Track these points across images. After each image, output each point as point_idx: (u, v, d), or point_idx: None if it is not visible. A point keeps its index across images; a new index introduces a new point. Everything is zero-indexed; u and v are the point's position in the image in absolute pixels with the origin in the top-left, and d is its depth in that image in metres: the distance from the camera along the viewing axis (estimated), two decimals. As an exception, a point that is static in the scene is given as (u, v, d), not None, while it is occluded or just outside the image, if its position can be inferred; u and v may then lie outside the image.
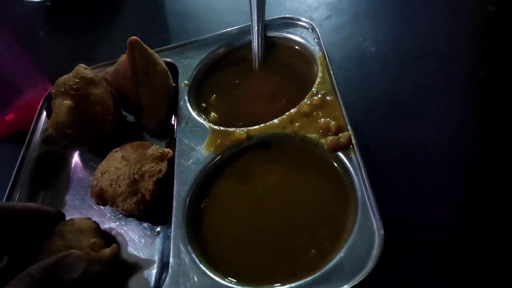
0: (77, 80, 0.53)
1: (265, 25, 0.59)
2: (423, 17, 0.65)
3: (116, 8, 0.94)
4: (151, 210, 0.49)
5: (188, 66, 0.61)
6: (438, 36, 0.61)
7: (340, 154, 0.44)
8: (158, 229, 0.49)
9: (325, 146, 0.45)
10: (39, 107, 0.66)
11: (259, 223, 0.43)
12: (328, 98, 0.49)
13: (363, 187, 0.41)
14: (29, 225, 0.45)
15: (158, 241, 0.48)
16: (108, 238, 0.49)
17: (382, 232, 0.37)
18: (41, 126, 0.64)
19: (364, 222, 0.38)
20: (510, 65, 0.54)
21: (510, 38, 0.57)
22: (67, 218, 0.49)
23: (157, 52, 0.59)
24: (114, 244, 0.46)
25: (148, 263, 0.46)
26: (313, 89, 0.50)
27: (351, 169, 0.43)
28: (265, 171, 0.47)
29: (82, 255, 0.40)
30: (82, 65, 0.56)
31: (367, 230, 0.38)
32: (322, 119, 0.47)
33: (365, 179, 0.41)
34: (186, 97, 0.57)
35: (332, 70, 0.51)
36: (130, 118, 0.62)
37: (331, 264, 0.37)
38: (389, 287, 0.42)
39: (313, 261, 0.38)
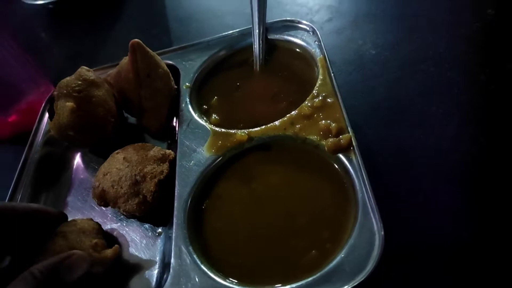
0: (80, 82, 0.54)
1: (266, 28, 0.59)
2: (423, 20, 0.65)
3: (118, 11, 0.94)
4: (153, 211, 0.49)
5: (190, 68, 0.61)
6: (438, 39, 0.61)
7: (341, 156, 0.44)
8: (160, 230, 0.49)
9: (326, 148, 0.45)
10: (41, 109, 0.67)
11: (260, 224, 0.44)
12: (328, 100, 0.49)
13: (364, 188, 0.41)
14: (32, 226, 0.45)
15: (160, 242, 0.48)
16: (109, 239, 0.49)
17: (383, 233, 0.37)
18: (43, 128, 0.64)
19: (365, 223, 0.39)
20: (509, 68, 0.55)
21: (509, 41, 0.58)
22: (69, 219, 0.49)
23: (159, 54, 0.60)
24: (116, 245, 0.46)
25: (150, 263, 0.46)
26: (314, 91, 0.51)
27: (351, 170, 0.43)
28: (266, 173, 0.48)
29: (85, 255, 0.41)
30: (84, 67, 0.57)
31: (367, 231, 0.38)
32: (323, 121, 0.47)
33: (366, 180, 0.41)
34: (188, 99, 0.57)
35: (333, 72, 0.51)
36: (132, 119, 0.62)
37: (331, 264, 0.37)
38: (390, 287, 0.42)
39: (314, 262, 0.39)
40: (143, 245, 0.49)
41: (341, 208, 0.42)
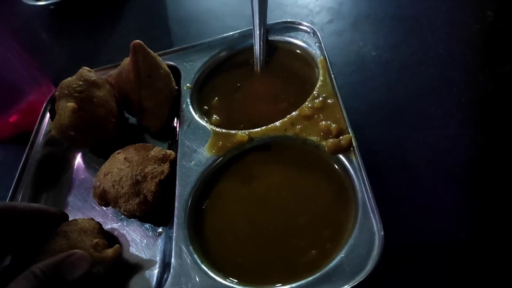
0: (81, 83, 0.54)
1: (267, 29, 0.60)
2: (423, 21, 0.66)
3: (119, 12, 0.95)
4: (153, 211, 0.49)
5: (191, 69, 0.61)
6: (438, 41, 0.62)
7: (341, 156, 0.45)
8: (160, 229, 0.49)
9: (326, 149, 0.45)
10: (42, 109, 0.67)
11: (260, 223, 0.44)
12: (329, 101, 0.49)
13: (364, 189, 0.41)
14: (32, 225, 0.45)
15: (160, 241, 0.48)
16: (110, 238, 0.50)
17: (382, 233, 0.37)
18: (44, 128, 0.65)
19: (365, 223, 0.39)
20: (508, 69, 0.55)
21: (508, 42, 0.58)
22: (70, 218, 0.49)
23: (160, 55, 0.60)
24: (116, 245, 0.46)
25: (150, 263, 0.47)
26: (314, 92, 0.51)
27: (351, 171, 0.43)
28: (266, 173, 0.48)
29: (86, 254, 0.41)
30: (86, 67, 0.57)
31: (367, 231, 0.38)
32: (323, 122, 0.48)
33: (366, 181, 0.41)
34: (189, 100, 0.58)
35: (333, 73, 0.51)
36: (133, 120, 0.63)
37: (331, 264, 0.37)
38: (389, 287, 0.42)
39: (314, 261, 0.39)
40: (143, 244, 0.49)
41: (341, 208, 0.42)
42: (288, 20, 0.61)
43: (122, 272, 0.47)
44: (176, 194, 0.47)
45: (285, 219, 0.43)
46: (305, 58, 0.58)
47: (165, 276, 0.44)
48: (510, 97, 0.52)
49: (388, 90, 0.59)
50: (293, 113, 0.50)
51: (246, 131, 0.50)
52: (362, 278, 0.35)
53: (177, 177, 0.49)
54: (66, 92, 0.53)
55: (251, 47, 0.59)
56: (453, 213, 0.45)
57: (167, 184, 0.49)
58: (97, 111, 0.54)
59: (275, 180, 0.47)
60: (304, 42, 0.59)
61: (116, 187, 0.49)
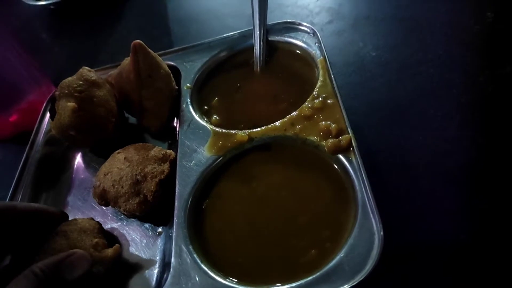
0: (81, 83, 0.54)
1: (267, 30, 0.60)
2: (423, 22, 0.66)
3: (119, 12, 0.95)
4: (153, 210, 0.49)
5: (191, 69, 0.62)
6: (437, 42, 0.62)
7: (341, 156, 0.45)
8: (160, 229, 0.49)
9: (326, 149, 0.46)
10: (42, 109, 0.67)
11: (260, 223, 0.44)
12: (329, 101, 0.49)
13: (363, 189, 0.41)
14: (32, 225, 0.45)
15: (160, 241, 0.48)
16: (110, 238, 0.50)
17: (382, 233, 0.37)
18: (44, 127, 0.65)
19: (364, 223, 0.39)
20: (508, 71, 0.55)
21: (508, 43, 0.58)
22: (70, 218, 0.49)
23: (160, 55, 0.60)
24: (116, 245, 0.46)
25: (150, 263, 0.47)
26: (314, 93, 0.51)
27: (351, 171, 0.43)
28: (266, 173, 0.48)
29: (86, 254, 0.41)
30: (86, 67, 0.57)
31: (367, 231, 0.38)
32: (323, 122, 0.48)
33: (365, 181, 0.41)
34: (189, 100, 0.58)
35: (333, 74, 0.52)
36: (133, 120, 0.63)
37: (331, 264, 0.38)
38: (389, 287, 0.42)
39: (314, 261, 0.39)
40: (143, 244, 0.49)
41: (341, 208, 0.42)
42: (288, 20, 0.61)
43: (122, 271, 0.47)
44: (176, 194, 0.47)
45: (285, 219, 0.43)
46: (305, 59, 0.58)
47: (165, 275, 0.45)
48: (510, 98, 0.53)
49: (388, 91, 0.59)
50: (293, 113, 0.50)
51: (246, 131, 0.50)
52: (362, 278, 0.35)
53: (177, 177, 0.49)
54: (66, 91, 0.53)
55: (251, 47, 0.59)
56: (452, 214, 0.45)
57: (167, 184, 0.49)
58: (97, 111, 0.54)
59: (275, 180, 0.47)
60: (304, 42, 0.59)
61: (116, 186, 0.49)
